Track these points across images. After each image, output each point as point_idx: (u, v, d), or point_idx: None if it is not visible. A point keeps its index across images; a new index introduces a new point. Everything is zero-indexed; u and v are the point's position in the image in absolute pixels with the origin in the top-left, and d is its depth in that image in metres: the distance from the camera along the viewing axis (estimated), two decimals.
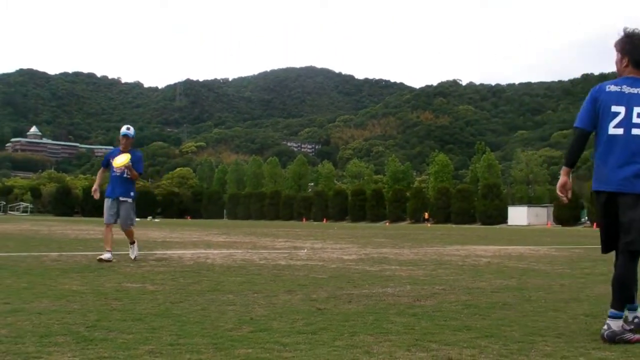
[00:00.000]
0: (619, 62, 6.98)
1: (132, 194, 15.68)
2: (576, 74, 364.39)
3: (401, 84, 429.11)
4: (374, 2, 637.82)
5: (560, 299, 9.64)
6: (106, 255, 14.62)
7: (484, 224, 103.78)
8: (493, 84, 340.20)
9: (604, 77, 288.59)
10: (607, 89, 6.93)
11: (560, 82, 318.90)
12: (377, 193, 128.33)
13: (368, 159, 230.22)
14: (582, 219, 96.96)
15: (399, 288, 10.56)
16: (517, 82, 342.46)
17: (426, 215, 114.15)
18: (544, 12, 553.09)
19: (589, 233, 52.13)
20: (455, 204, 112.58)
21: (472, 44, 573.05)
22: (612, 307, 6.48)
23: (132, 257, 15.01)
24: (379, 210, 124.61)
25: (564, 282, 11.97)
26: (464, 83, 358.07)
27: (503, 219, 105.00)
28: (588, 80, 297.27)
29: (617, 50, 6.98)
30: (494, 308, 8.50)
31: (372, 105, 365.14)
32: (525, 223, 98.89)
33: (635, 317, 6.94)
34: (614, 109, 6.75)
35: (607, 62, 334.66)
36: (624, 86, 6.79)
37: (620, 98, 6.74)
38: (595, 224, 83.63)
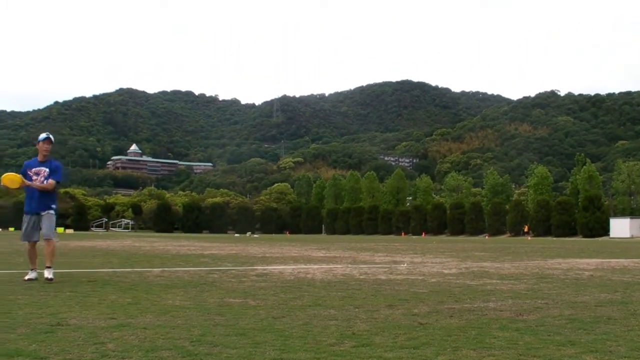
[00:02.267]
0: None
1: (53, 206, 14.01)
2: None
3: (498, 95, 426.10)
4: (468, 15, 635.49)
5: None
6: (31, 275, 13.90)
7: (585, 236, 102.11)
8: (592, 93, 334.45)
9: None
10: None
11: None
12: (475, 206, 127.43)
13: (466, 172, 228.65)
14: None
15: (501, 302, 10.46)
16: (616, 91, 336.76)
17: (526, 228, 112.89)
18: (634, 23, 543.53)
19: None
20: (556, 216, 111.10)
21: (570, 53, 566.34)
22: None
23: (49, 277, 13.54)
24: (477, 223, 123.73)
25: None
26: (562, 93, 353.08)
27: (605, 231, 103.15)
28: None
29: None
30: (599, 322, 8.36)
31: (469, 118, 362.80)
32: (628, 235, 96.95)
33: None
34: None
35: None
36: None
37: None
38: None
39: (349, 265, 20.32)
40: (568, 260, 25.19)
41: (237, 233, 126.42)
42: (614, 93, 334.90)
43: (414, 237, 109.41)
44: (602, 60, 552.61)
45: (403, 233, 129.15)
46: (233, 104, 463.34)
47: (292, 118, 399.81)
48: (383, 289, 12.42)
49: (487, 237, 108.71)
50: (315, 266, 19.92)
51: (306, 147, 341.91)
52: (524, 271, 18.00)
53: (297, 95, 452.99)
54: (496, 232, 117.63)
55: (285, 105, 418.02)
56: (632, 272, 17.99)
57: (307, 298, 10.77)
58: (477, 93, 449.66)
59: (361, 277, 15.45)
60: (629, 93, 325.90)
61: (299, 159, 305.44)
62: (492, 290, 12.38)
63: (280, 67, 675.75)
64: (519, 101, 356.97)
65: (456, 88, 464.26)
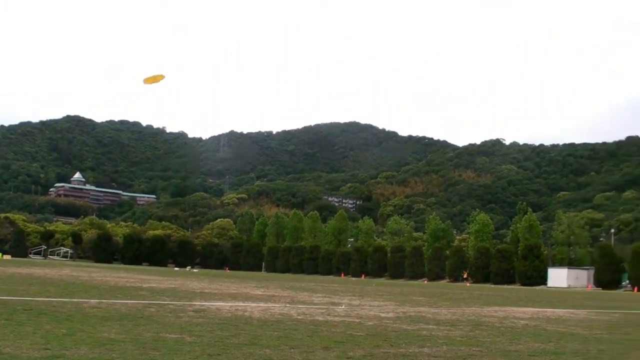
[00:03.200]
0: None
1: None
2: (621, 136, 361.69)
3: (444, 141, 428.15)
4: (417, 60, 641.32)
5: None
6: None
7: (523, 284, 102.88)
8: (537, 144, 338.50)
9: None
10: None
11: (604, 143, 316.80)
12: (416, 250, 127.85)
13: (409, 216, 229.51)
14: (623, 283, 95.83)
15: (436, 348, 10.56)
16: (560, 142, 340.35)
17: (465, 274, 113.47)
18: (586, 75, 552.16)
19: (630, 297, 51.55)
20: (495, 263, 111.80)
21: (516, 104, 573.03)
22: None
23: None
24: (417, 267, 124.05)
25: (603, 348, 11.90)
26: (507, 142, 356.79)
27: (543, 280, 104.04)
28: (633, 142, 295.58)
29: None
30: None
31: (414, 162, 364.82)
32: (565, 285, 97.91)
33: None
34: None
35: None
36: None
37: None
38: (636, 287, 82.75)
39: (287, 305, 20.33)
40: (505, 308, 25.42)
41: (176, 267, 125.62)
42: (558, 144, 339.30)
43: (354, 278, 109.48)
44: (548, 111, 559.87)
45: (343, 274, 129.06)
46: (180, 137, 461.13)
47: (238, 154, 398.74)
48: (320, 330, 12.46)
49: (426, 281, 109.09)
50: (253, 304, 19.91)
51: (251, 184, 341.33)
52: (460, 318, 18.14)
53: (245, 132, 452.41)
54: (436, 277, 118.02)
55: (232, 141, 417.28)
56: (567, 322, 18.22)
57: (243, 336, 10.78)
58: (424, 138, 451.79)
59: (299, 317, 15.48)
60: (572, 145, 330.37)
61: (243, 195, 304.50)
62: (428, 336, 12.48)
63: (230, 102, 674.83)
64: (465, 148, 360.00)
65: (403, 132, 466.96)
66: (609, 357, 10.50)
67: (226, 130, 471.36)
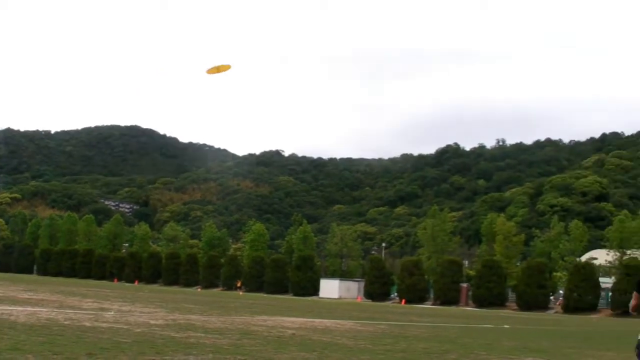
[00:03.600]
0: None
1: None
2: (396, 153, 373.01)
3: (224, 150, 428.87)
4: (200, 67, 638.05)
5: None
6: None
7: (296, 294, 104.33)
8: (315, 157, 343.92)
9: (422, 157, 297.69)
10: None
11: (380, 159, 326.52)
12: (191, 257, 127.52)
13: (185, 223, 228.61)
14: (392, 295, 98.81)
15: (202, 356, 10.62)
16: (338, 157, 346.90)
17: (239, 283, 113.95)
18: (364, 93, 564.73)
19: (397, 309, 53.25)
20: (269, 273, 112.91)
21: (297, 116, 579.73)
22: None
23: None
24: (192, 275, 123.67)
25: (365, 358, 12.24)
26: (286, 154, 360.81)
27: (315, 290, 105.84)
28: (406, 159, 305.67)
29: None
30: None
31: (194, 169, 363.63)
32: (336, 296, 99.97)
33: None
34: None
35: (424, 144, 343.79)
36: None
37: None
38: (404, 300, 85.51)
39: (55, 310, 19.88)
40: (274, 317, 25.72)
41: None
42: (335, 158, 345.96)
43: (127, 284, 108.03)
44: (326, 125, 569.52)
45: (116, 279, 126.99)
46: None
47: (14, 152, 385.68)
48: (86, 336, 12.26)
49: (199, 289, 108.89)
50: (20, 308, 19.35)
51: (25, 184, 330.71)
52: (229, 326, 18.25)
53: (22, 130, 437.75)
54: (210, 284, 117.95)
55: (9, 139, 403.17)
56: (333, 332, 18.64)
57: (5, 341, 10.48)
58: (204, 145, 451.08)
59: (66, 322, 15.17)
60: (349, 159, 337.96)
61: (17, 195, 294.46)
62: (195, 344, 12.50)
63: (6, 99, 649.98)
64: (244, 157, 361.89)
65: (184, 138, 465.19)
66: None
67: (1, 127, 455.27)
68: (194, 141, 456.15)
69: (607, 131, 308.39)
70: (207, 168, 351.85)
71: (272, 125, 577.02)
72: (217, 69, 14.11)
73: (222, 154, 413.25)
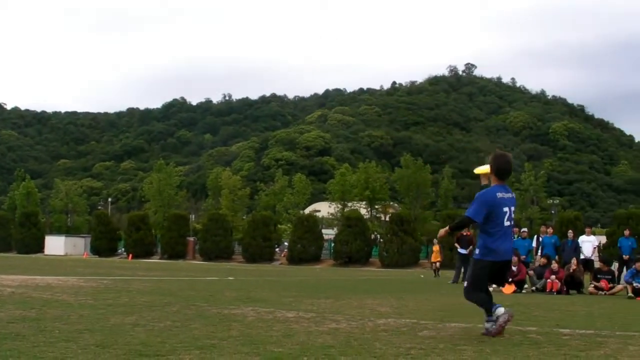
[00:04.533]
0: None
1: None
2: (122, 107, 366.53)
3: None
4: None
5: (75, 329, 9.90)
6: None
7: (20, 252, 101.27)
8: (39, 110, 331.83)
9: (148, 112, 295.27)
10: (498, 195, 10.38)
11: (106, 114, 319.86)
12: None
13: None
14: (119, 250, 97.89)
15: None
16: (63, 110, 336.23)
17: None
18: (86, 48, 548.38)
19: (123, 264, 52.98)
20: None
21: (19, 67, 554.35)
22: None
23: None
24: None
25: (84, 313, 12.24)
26: (9, 107, 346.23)
27: (40, 248, 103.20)
28: (132, 113, 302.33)
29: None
30: (7, 339, 8.58)
31: None
32: (62, 253, 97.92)
33: None
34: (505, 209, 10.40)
35: (151, 98, 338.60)
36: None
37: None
38: (131, 255, 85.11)
39: None
40: None
41: None
42: (60, 112, 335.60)
43: None
44: (51, 77, 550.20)
45: None
46: None
47: None
48: None
49: None
50: None
51: None
52: None
53: None
54: None
55: None
56: (54, 289, 18.42)
57: None
58: None
59: None
60: (74, 113, 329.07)
61: None
62: None
63: None
64: None
65: None
66: (88, 321, 10.88)
67: None
68: None
69: (330, 88, 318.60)
70: None
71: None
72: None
73: None
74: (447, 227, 10.99)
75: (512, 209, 10.55)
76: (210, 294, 18.69)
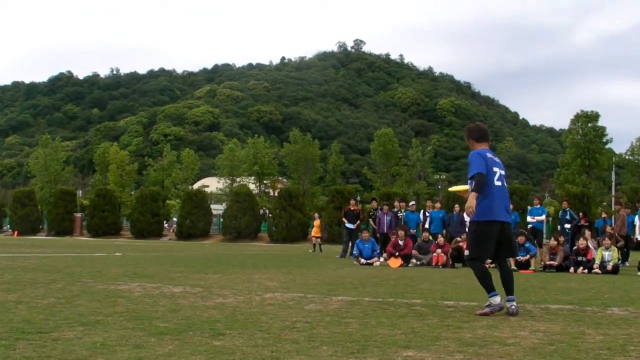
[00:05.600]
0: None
1: None
2: (7, 81, 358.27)
3: None
4: None
5: None
6: None
7: None
8: None
9: (34, 85, 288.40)
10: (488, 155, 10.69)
11: None
12: None
13: None
14: (5, 227, 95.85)
15: None
16: None
17: None
18: None
19: (8, 241, 51.96)
20: None
21: None
22: None
23: None
24: None
25: None
26: None
27: None
28: (18, 87, 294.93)
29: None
30: None
31: None
32: None
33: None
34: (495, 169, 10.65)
35: (36, 72, 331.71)
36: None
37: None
38: (16, 232, 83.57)
39: None
40: None
41: None
42: None
43: None
44: None
45: None
46: None
47: None
48: None
49: None
50: None
51: None
52: None
53: None
54: None
55: None
56: None
57: None
58: None
59: None
60: None
61: None
62: None
63: None
64: None
65: None
66: None
67: None
68: None
69: (219, 63, 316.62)
70: None
71: None
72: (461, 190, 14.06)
73: None
74: (473, 194, 10.48)
75: (503, 172, 10.75)
76: (96, 270, 18.46)
